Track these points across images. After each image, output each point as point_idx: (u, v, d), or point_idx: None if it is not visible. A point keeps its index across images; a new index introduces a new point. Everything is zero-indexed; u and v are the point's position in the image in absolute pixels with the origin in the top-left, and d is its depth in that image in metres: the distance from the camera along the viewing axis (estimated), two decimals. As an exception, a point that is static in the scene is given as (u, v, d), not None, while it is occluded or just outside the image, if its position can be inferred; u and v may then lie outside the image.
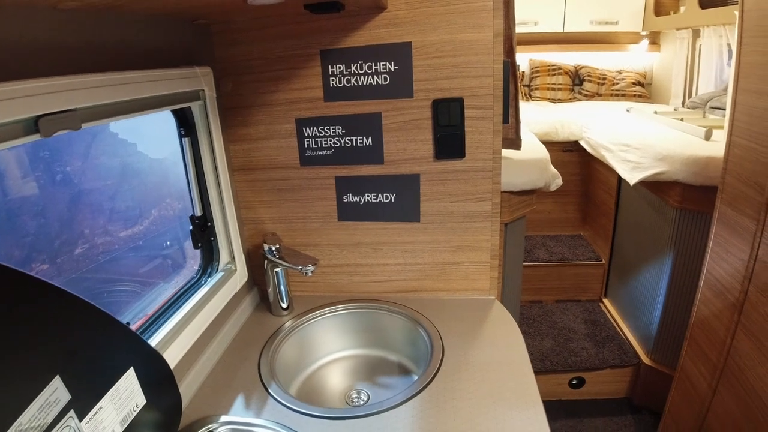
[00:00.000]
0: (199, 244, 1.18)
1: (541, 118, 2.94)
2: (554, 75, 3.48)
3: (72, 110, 0.69)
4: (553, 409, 2.24)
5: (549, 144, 2.41)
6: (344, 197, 1.27)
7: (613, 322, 2.53)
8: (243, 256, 1.28)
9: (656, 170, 1.91)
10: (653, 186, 2.05)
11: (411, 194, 1.23)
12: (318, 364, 1.24)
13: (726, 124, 1.40)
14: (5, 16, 0.61)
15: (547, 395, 2.25)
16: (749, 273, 1.28)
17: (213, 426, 0.91)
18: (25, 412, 0.54)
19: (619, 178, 2.46)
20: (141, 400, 0.74)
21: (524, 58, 3.58)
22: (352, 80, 1.15)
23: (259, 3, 0.81)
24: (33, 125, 0.63)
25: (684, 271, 1.96)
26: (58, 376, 0.58)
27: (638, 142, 2.10)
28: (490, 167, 1.18)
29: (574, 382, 2.27)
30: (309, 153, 1.24)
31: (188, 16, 1.02)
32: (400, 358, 1.24)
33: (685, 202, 1.87)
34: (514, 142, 1.58)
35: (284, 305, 1.28)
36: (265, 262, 1.23)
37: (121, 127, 1.06)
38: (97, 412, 0.66)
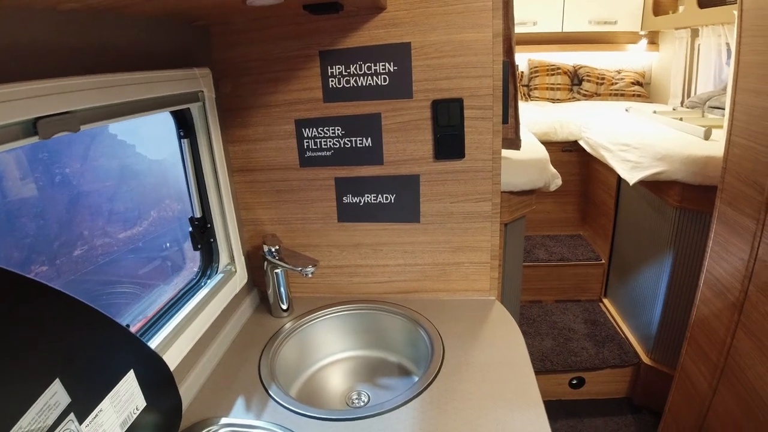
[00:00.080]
0: (199, 246, 1.18)
1: (540, 118, 2.94)
2: (553, 75, 3.48)
3: (71, 112, 0.69)
4: (554, 409, 2.24)
5: (548, 144, 2.42)
6: (344, 198, 1.26)
7: (612, 321, 2.53)
8: (243, 258, 1.27)
9: (656, 170, 1.91)
10: (653, 185, 2.05)
11: (411, 195, 1.23)
12: (318, 366, 1.24)
13: (725, 124, 1.40)
14: (4, 17, 0.60)
15: (547, 395, 2.25)
16: (749, 272, 1.28)
17: (213, 428, 0.91)
18: (25, 415, 0.54)
19: (619, 178, 2.46)
20: (141, 402, 0.74)
21: (523, 58, 3.58)
22: (352, 81, 1.15)
23: (258, 4, 0.81)
24: (31, 127, 0.63)
25: (684, 270, 1.96)
26: (57, 379, 0.58)
27: (637, 142, 2.10)
28: (490, 167, 1.18)
29: (574, 382, 2.27)
30: (308, 154, 1.23)
31: (187, 18, 1.02)
32: (400, 359, 1.24)
33: (684, 202, 1.87)
34: (514, 142, 1.58)
35: (284, 306, 1.27)
36: (265, 263, 1.22)
37: (120, 128, 1.06)
38: (97, 415, 0.65)
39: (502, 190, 1.23)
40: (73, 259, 0.99)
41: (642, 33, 3.38)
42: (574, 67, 3.54)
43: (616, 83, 3.41)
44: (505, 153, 1.54)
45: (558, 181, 1.84)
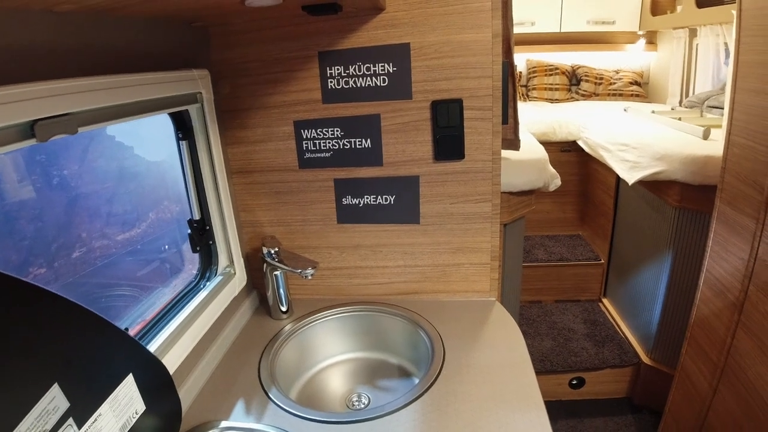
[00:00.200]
0: (198, 248, 1.17)
1: (538, 119, 2.94)
2: (551, 75, 3.49)
3: (68, 114, 0.68)
4: (554, 409, 2.23)
5: (547, 144, 2.41)
6: (343, 199, 1.26)
7: (612, 321, 2.53)
8: (242, 260, 1.27)
9: (655, 170, 1.91)
10: (652, 185, 2.05)
11: (410, 196, 1.23)
12: (318, 368, 1.24)
13: (724, 123, 1.40)
14: (1, 18, 0.60)
15: (547, 395, 2.25)
16: (749, 272, 1.28)
17: None
18: (24, 420, 0.53)
19: (618, 178, 2.46)
20: (140, 406, 0.73)
21: (521, 59, 3.58)
22: (351, 82, 1.15)
23: (256, 4, 0.80)
24: (29, 130, 0.62)
25: (683, 270, 1.96)
26: (56, 384, 0.58)
27: (636, 142, 2.10)
28: (490, 168, 1.18)
29: (574, 382, 2.27)
30: (307, 155, 1.23)
31: (185, 19, 1.01)
32: (400, 360, 1.24)
33: (683, 202, 1.87)
34: (513, 143, 1.58)
35: (284, 308, 1.27)
36: (264, 265, 1.22)
37: (118, 130, 1.05)
38: (96, 420, 0.65)
39: (501, 191, 1.22)
40: (71, 261, 0.98)
41: (640, 33, 3.39)
42: (572, 67, 3.54)
43: (615, 83, 3.42)
44: (505, 153, 1.54)
45: (557, 182, 1.84)
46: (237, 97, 1.20)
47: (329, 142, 1.21)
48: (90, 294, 1.03)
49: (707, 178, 1.75)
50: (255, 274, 1.35)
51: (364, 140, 1.19)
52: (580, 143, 2.83)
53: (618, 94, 3.40)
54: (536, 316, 2.64)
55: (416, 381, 1.11)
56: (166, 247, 1.23)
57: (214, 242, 1.19)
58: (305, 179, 1.26)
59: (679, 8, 3.04)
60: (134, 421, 0.72)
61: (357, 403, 1.13)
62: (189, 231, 1.16)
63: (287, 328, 1.23)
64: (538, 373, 1.00)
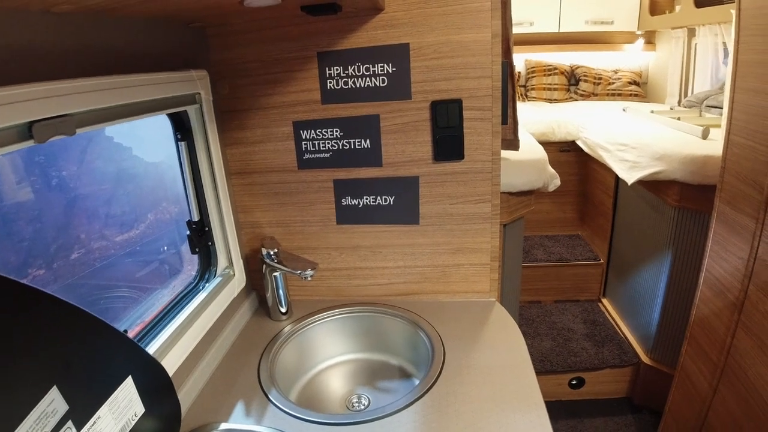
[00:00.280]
0: (197, 249, 1.17)
1: (537, 119, 2.94)
2: (550, 75, 3.49)
3: (66, 115, 0.68)
4: (554, 409, 2.23)
5: (546, 144, 2.41)
6: (343, 200, 1.26)
7: (612, 321, 2.53)
8: (241, 261, 1.27)
9: (654, 169, 1.91)
10: (651, 185, 2.05)
11: (410, 196, 1.23)
12: (318, 369, 1.23)
13: (724, 123, 1.40)
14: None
15: (547, 396, 2.24)
16: (749, 272, 1.28)
17: (213, 433, 0.90)
18: (23, 423, 0.53)
19: (617, 178, 2.46)
20: (140, 408, 0.73)
21: (520, 59, 3.58)
22: (350, 82, 1.14)
23: (255, 5, 0.80)
24: (27, 131, 0.62)
25: (683, 269, 1.96)
26: (55, 387, 0.57)
27: (635, 142, 2.10)
28: (490, 169, 1.18)
29: (574, 382, 2.27)
30: (307, 156, 1.23)
31: (184, 19, 1.01)
32: (400, 361, 1.23)
33: (683, 201, 1.87)
34: (512, 143, 1.58)
35: (283, 310, 1.26)
36: (264, 266, 1.22)
37: (116, 130, 1.05)
38: (95, 422, 0.64)
39: (500, 191, 1.22)
40: (70, 262, 0.98)
41: (639, 33, 3.39)
42: (571, 67, 3.54)
43: (613, 83, 3.42)
44: (504, 154, 1.54)
45: (556, 182, 1.84)
46: (236, 97, 1.19)
47: (328, 143, 1.21)
48: (89, 295, 1.03)
49: (706, 178, 1.75)
50: (254, 275, 1.35)
51: (363, 141, 1.19)
52: (579, 143, 2.83)
53: (617, 94, 3.40)
54: (536, 316, 2.64)
55: (416, 382, 1.10)
56: (165, 248, 1.23)
57: (213, 243, 1.19)
58: (304, 180, 1.25)
59: (677, 8, 3.04)
60: (134, 423, 0.72)
61: (357, 404, 1.13)
62: (188, 232, 1.15)
63: (287, 329, 1.22)
64: (537, 373, 1.00)
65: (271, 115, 1.20)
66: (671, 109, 2.81)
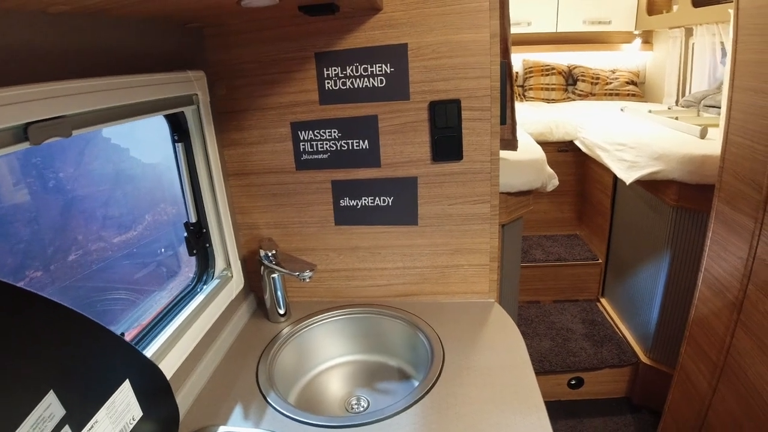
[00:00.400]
0: (194, 251, 1.16)
1: (535, 119, 2.94)
2: (548, 75, 3.49)
3: (62, 117, 0.67)
4: (553, 409, 2.23)
5: (544, 144, 2.41)
6: (341, 201, 1.25)
7: (610, 321, 2.53)
8: (239, 263, 1.26)
9: (652, 169, 1.91)
10: (649, 185, 2.05)
11: (408, 197, 1.22)
12: (317, 371, 1.23)
13: (722, 123, 1.40)
14: (-7, 20, 0.59)
15: (546, 396, 2.23)
16: (748, 271, 1.28)
17: (211, 437, 0.90)
18: (19, 429, 0.52)
19: (615, 178, 2.46)
20: (137, 412, 0.72)
21: (517, 59, 3.58)
22: (348, 83, 1.14)
23: (253, 5, 0.79)
24: (22, 133, 0.61)
25: (681, 269, 1.96)
26: (51, 391, 0.57)
27: (634, 142, 2.11)
28: (488, 169, 1.17)
29: (573, 382, 2.26)
30: (305, 157, 1.22)
31: (181, 20, 1.00)
32: (400, 363, 1.23)
33: (681, 201, 1.88)
34: (511, 143, 1.58)
35: (281, 311, 1.26)
36: (262, 268, 1.21)
37: (114, 132, 1.05)
38: (92, 427, 0.64)
39: (499, 192, 1.22)
40: (67, 264, 0.97)
41: (636, 32, 3.39)
42: (568, 67, 3.54)
43: (611, 83, 3.42)
44: (502, 154, 1.53)
45: (555, 182, 1.84)
46: (233, 98, 1.19)
47: (326, 144, 1.20)
48: (86, 297, 1.02)
49: (705, 178, 1.75)
50: (252, 276, 1.34)
51: (361, 141, 1.19)
52: (577, 143, 2.83)
53: (614, 94, 3.40)
54: (534, 316, 2.63)
55: (416, 384, 1.10)
56: (163, 250, 1.22)
57: (210, 245, 1.18)
58: (302, 181, 1.25)
59: (675, 8, 3.04)
60: (131, 427, 0.71)
61: (356, 406, 1.12)
62: (185, 234, 1.15)
63: (285, 331, 1.22)
64: (536, 373, 1.00)
65: (269, 115, 1.20)
66: (669, 108, 2.81)
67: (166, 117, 1.05)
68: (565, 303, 2.75)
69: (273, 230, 1.31)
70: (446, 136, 1.15)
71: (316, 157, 1.22)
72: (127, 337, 0.93)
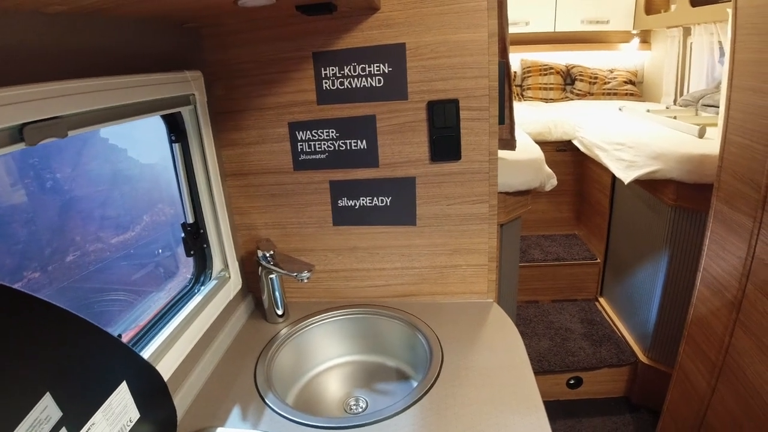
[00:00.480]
0: (192, 252, 1.16)
1: (533, 118, 2.95)
2: (546, 75, 3.49)
3: (58, 117, 0.67)
4: (552, 409, 2.23)
5: (542, 144, 2.41)
6: (339, 201, 1.25)
7: (609, 321, 2.53)
8: (237, 263, 1.26)
9: (651, 168, 1.91)
10: (648, 184, 2.05)
11: (407, 197, 1.22)
12: (315, 372, 1.23)
13: (721, 122, 1.40)
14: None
15: (545, 396, 2.23)
16: (747, 270, 1.28)
17: (209, 438, 0.89)
18: (15, 431, 0.52)
19: (613, 177, 2.46)
20: (135, 414, 0.72)
21: (515, 59, 3.59)
22: (346, 83, 1.14)
23: (250, 5, 0.79)
24: (17, 133, 0.61)
25: (680, 268, 1.96)
26: (48, 393, 0.56)
27: (632, 141, 2.11)
28: (487, 169, 1.17)
29: (572, 382, 2.26)
30: (302, 157, 1.22)
31: (178, 20, 1.00)
32: (398, 363, 1.23)
33: (680, 200, 1.88)
34: (509, 143, 1.58)
35: (279, 312, 1.26)
36: (260, 268, 1.21)
37: (111, 132, 1.04)
38: (89, 429, 0.64)
39: (498, 191, 1.22)
40: (65, 265, 0.97)
41: (634, 32, 3.40)
42: (566, 66, 3.55)
43: (609, 82, 3.42)
44: (501, 153, 1.53)
45: (553, 181, 1.84)
46: (231, 98, 1.18)
47: (324, 144, 1.20)
48: (84, 298, 1.02)
49: (703, 177, 1.75)
50: (250, 277, 1.34)
51: (359, 141, 1.18)
52: (576, 143, 2.83)
53: (612, 94, 3.40)
54: (533, 316, 2.63)
55: (414, 384, 1.10)
56: (160, 250, 1.22)
57: (208, 246, 1.18)
58: (300, 181, 1.25)
59: (673, 7, 3.05)
60: (128, 429, 0.71)
61: (355, 407, 1.12)
62: (183, 235, 1.14)
63: (283, 331, 1.22)
64: (535, 373, 1.00)
65: (267, 116, 1.19)
66: (667, 108, 2.81)
67: (163, 117, 1.04)
68: (564, 303, 2.75)
69: (271, 231, 1.31)
70: (444, 136, 1.14)
71: (314, 157, 1.21)
72: (125, 339, 0.92)
